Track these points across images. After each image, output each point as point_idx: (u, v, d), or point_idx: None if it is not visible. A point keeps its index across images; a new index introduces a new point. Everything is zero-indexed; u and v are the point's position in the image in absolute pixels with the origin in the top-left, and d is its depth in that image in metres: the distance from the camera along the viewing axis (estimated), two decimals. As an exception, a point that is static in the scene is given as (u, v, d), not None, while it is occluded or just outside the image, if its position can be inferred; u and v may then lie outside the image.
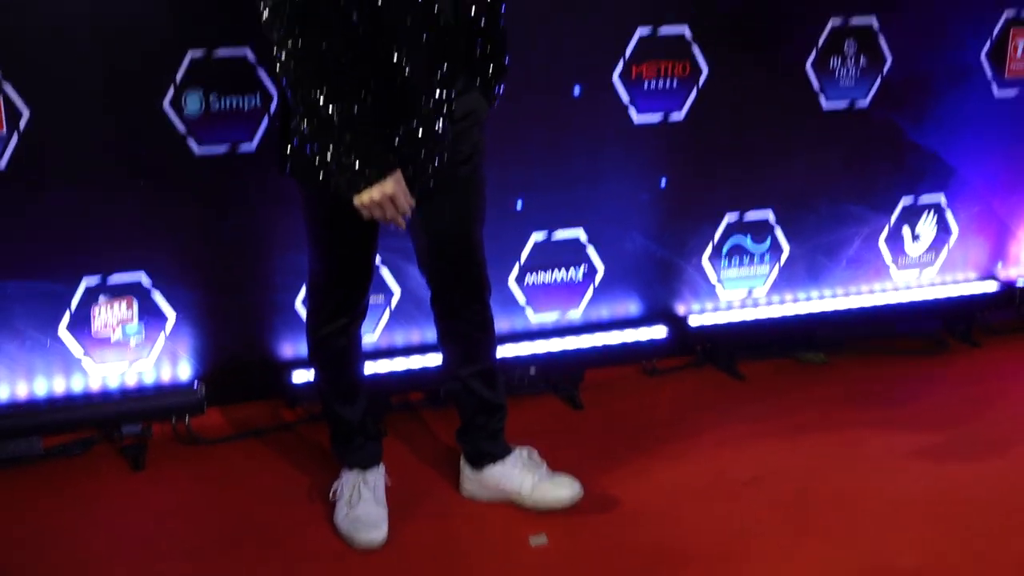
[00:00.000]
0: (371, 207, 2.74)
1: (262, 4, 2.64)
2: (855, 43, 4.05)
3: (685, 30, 3.83)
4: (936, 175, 4.31)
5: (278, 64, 2.67)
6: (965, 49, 4.21)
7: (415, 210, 2.88)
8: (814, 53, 4.01)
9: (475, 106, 2.97)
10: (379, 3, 2.67)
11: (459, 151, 2.94)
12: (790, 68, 4.01)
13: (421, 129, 2.80)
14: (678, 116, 3.92)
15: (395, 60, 2.72)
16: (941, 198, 4.35)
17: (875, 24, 4.05)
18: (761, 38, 3.94)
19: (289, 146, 2.86)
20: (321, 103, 2.64)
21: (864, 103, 4.13)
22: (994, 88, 4.28)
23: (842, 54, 4.05)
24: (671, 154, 3.95)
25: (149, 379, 3.59)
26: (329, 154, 2.69)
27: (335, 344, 3.11)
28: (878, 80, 4.12)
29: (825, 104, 4.08)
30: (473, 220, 3.08)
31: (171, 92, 3.34)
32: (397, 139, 2.78)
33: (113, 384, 3.55)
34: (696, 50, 3.86)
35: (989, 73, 4.26)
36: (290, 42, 2.62)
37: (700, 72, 3.89)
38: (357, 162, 2.68)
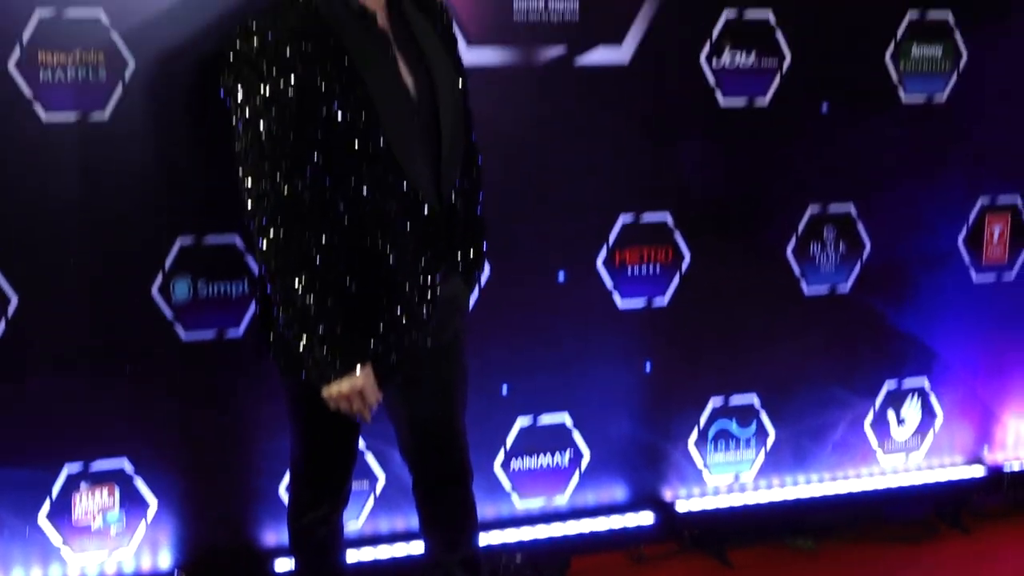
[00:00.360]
0: (338, 399, 2.74)
1: (245, 194, 2.68)
2: (834, 229, 4.12)
3: (667, 217, 3.90)
4: (919, 359, 4.34)
5: (259, 252, 2.70)
6: (941, 235, 4.29)
7: (398, 395, 2.88)
8: (794, 239, 4.08)
9: (457, 291, 2.99)
10: (364, 192, 2.72)
11: (442, 336, 2.95)
12: (771, 254, 4.07)
13: (404, 315, 2.81)
14: (662, 301, 3.96)
15: (380, 248, 2.76)
16: (925, 382, 4.37)
17: (853, 211, 4.14)
18: (742, 225, 4.02)
19: (272, 332, 2.87)
20: (299, 292, 2.66)
21: (845, 288, 4.19)
22: (972, 273, 4.35)
23: (822, 240, 4.12)
24: (655, 339, 3.97)
25: (129, 568, 3.51)
26: (303, 343, 2.69)
27: (317, 533, 3.05)
28: (858, 266, 4.18)
29: (807, 289, 4.13)
30: (456, 405, 3.07)
31: (160, 278, 3.36)
32: (381, 325, 2.79)
33: (92, 574, 3.48)
34: (678, 236, 3.93)
35: (967, 259, 4.33)
36: (272, 231, 2.65)
37: (683, 258, 3.95)
38: (328, 354, 2.69)
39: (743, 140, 3.95)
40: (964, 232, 4.32)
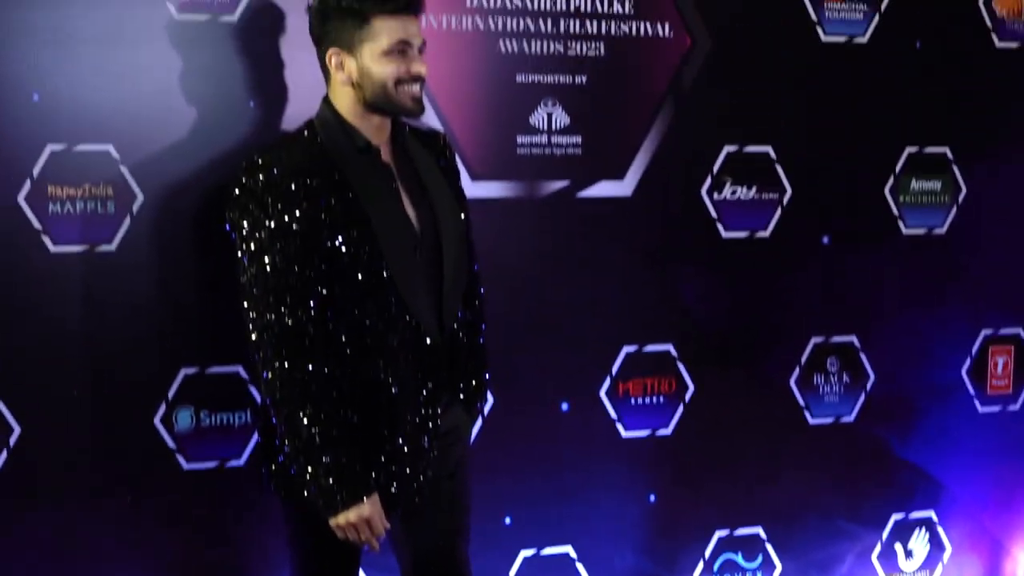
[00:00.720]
0: (346, 529, 2.74)
1: (250, 325, 2.71)
2: (837, 360, 4.13)
3: (670, 348, 3.91)
4: (926, 491, 4.31)
5: (263, 384, 2.72)
6: (946, 366, 4.29)
7: (400, 526, 2.87)
8: (797, 370, 4.08)
9: (459, 422, 3.01)
10: (367, 323, 2.74)
11: (444, 466, 2.95)
12: (775, 385, 4.07)
13: (406, 446, 2.81)
14: (665, 432, 3.95)
15: (382, 378, 2.77)
16: (932, 514, 4.33)
17: (856, 342, 4.15)
18: (745, 355, 4.03)
19: (273, 463, 2.87)
20: (305, 424, 2.67)
21: (850, 419, 4.18)
22: (977, 404, 4.34)
23: (825, 371, 4.12)
24: (659, 470, 3.96)
25: None
26: (308, 474, 2.70)
27: None
28: (862, 396, 4.18)
29: (811, 420, 4.12)
30: (459, 536, 3.05)
31: (163, 408, 3.37)
32: (382, 456, 2.79)
33: None
34: (682, 367, 3.93)
35: (971, 390, 4.32)
36: (276, 363, 2.67)
37: (686, 389, 3.95)
38: (334, 484, 2.70)
39: (745, 271, 3.99)
40: (968, 363, 4.32)
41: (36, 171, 3.19)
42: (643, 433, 3.93)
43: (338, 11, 2.74)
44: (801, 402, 4.11)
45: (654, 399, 3.94)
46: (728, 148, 3.91)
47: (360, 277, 2.72)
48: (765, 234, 4.00)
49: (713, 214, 3.92)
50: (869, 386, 4.19)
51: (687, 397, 3.96)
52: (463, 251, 2.94)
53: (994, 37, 4.21)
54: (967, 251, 4.26)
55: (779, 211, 4.00)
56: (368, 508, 2.73)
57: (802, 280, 4.08)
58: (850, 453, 4.21)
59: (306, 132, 2.82)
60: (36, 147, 3.18)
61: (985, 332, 4.33)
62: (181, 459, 3.41)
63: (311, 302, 2.69)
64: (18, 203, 3.17)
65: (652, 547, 3.98)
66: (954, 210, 4.22)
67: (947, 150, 4.19)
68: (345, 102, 2.80)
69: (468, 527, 3.08)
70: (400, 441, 2.80)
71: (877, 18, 4.04)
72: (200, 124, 3.32)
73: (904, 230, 4.16)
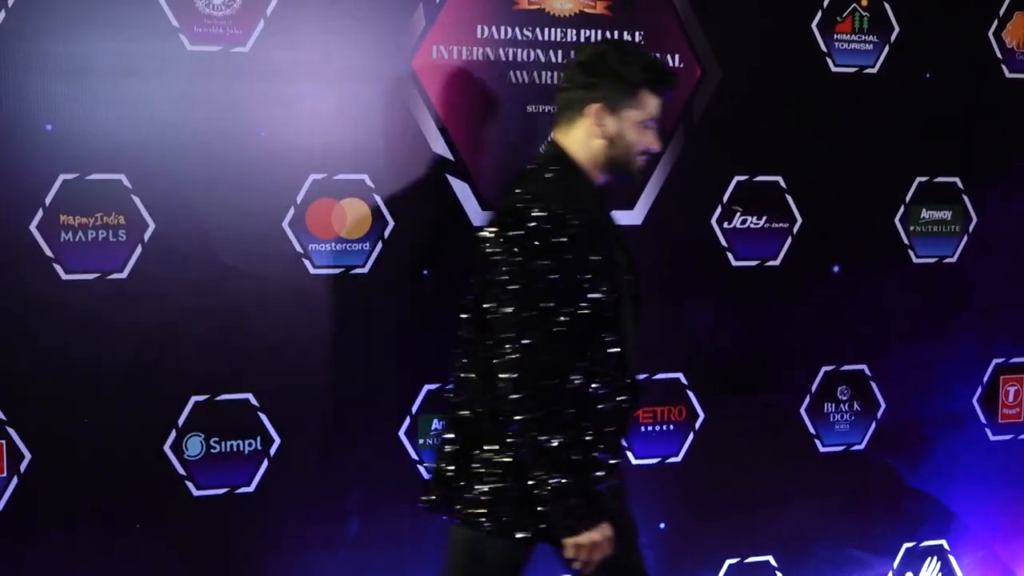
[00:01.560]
0: (583, 549, 2.77)
1: (503, 354, 2.73)
2: (848, 389, 4.13)
3: (681, 376, 3.92)
4: (937, 519, 4.30)
5: (513, 410, 2.72)
6: (956, 395, 4.28)
7: None
8: (808, 398, 4.08)
9: None
10: (599, 355, 2.82)
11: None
12: (785, 413, 4.07)
13: (616, 463, 2.90)
14: (676, 459, 3.95)
15: (602, 401, 2.83)
16: (943, 543, 4.31)
17: (867, 371, 4.15)
18: (755, 384, 4.03)
19: (473, 490, 2.84)
20: (554, 447, 2.71)
21: (860, 447, 4.17)
22: (988, 433, 4.33)
23: (836, 399, 4.12)
24: (670, 497, 3.96)
25: None
26: (554, 493, 2.72)
27: None
28: (873, 425, 4.17)
29: (821, 448, 4.12)
30: (638, 548, 3.12)
31: (173, 436, 3.39)
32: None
33: None
34: (692, 395, 3.94)
35: (983, 418, 4.32)
36: (526, 392, 2.71)
37: (696, 416, 3.95)
38: (584, 504, 2.75)
39: (755, 300, 4.00)
40: (979, 392, 4.31)
41: (48, 200, 3.22)
42: (653, 461, 3.93)
43: (617, 74, 2.88)
44: (812, 430, 4.11)
45: (664, 427, 3.94)
46: (738, 178, 3.93)
47: (601, 314, 2.83)
48: (775, 263, 4.01)
49: (723, 243, 3.93)
50: (880, 414, 4.19)
51: (697, 425, 3.96)
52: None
53: (1004, 68, 4.21)
54: (978, 280, 4.26)
55: (789, 240, 4.01)
56: (608, 529, 2.78)
57: (812, 309, 4.08)
58: (861, 481, 4.20)
59: (567, 171, 2.89)
60: (49, 176, 3.22)
61: (996, 361, 4.33)
62: (191, 486, 3.43)
63: (559, 336, 2.75)
64: (30, 231, 3.21)
65: (663, 575, 3.98)
66: (965, 239, 4.22)
67: (957, 180, 4.19)
68: (586, 153, 2.91)
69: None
70: (611, 459, 2.87)
71: (887, 49, 4.05)
72: (211, 154, 3.36)
73: (915, 259, 4.17)
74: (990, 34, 4.19)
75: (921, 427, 4.26)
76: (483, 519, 2.82)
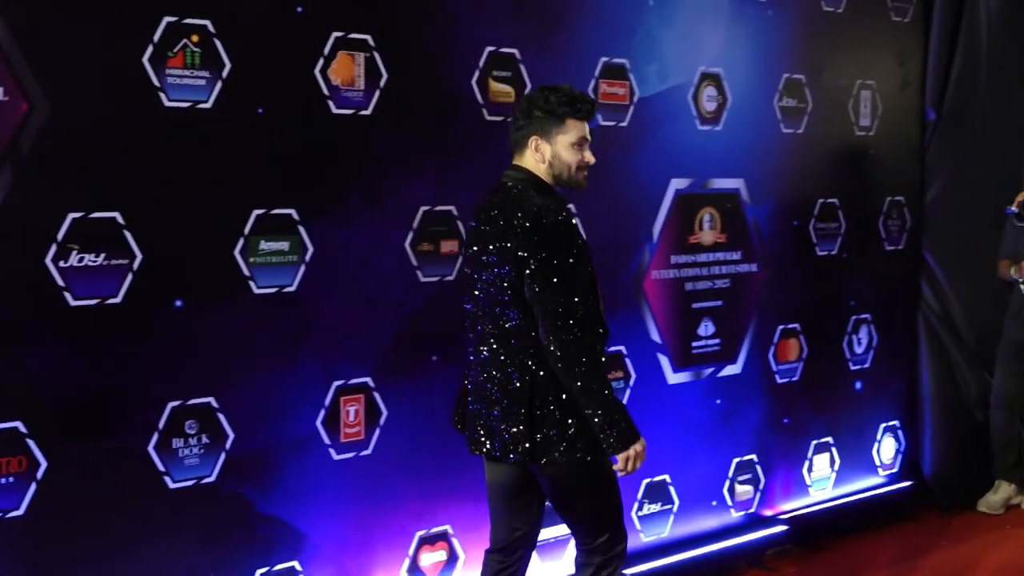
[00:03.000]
0: (634, 456, 3.81)
1: (558, 320, 3.71)
2: (196, 423, 4.14)
3: (19, 425, 3.72)
4: (289, 542, 4.43)
5: (571, 368, 3.73)
6: (302, 419, 4.43)
7: None
8: (156, 436, 4.04)
9: None
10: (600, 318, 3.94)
11: None
12: (133, 452, 4.00)
13: None
14: (18, 513, 3.74)
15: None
16: (295, 564, 4.44)
17: (214, 403, 4.17)
18: (100, 426, 3.91)
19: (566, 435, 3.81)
20: (606, 390, 3.77)
21: (211, 479, 4.20)
22: (333, 453, 4.52)
23: (184, 434, 4.12)
24: (12, 558, 3.74)
25: None
26: (612, 422, 3.75)
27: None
28: (223, 456, 4.21)
29: (172, 484, 4.10)
30: None
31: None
32: None
33: None
34: (32, 444, 3.75)
35: (327, 439, 4.50)
36: (586, 349, 3.73)
37: (39, 466, 3.77)
38: (628, 427, 3.79)
39: (97, 339, 3.89)
40: (322, 414, 4.49)
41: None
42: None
43: (544, 110, 3.86)
44: (161, 467, 4.07)
45: (4, 480, 3.72)
46: (73, 215, 3.80)
47: (593, 286, 3.87)
48: (117, 300, 3.92)
49: (60, 282, 3.79)
50: (228, 445, 4.23)
51: (39, 474, 3.78)
52: None
53: (331, 104, 4.43)
54: (317, 307, 4.43)
55: (130, 276, 3.94)
56: (644, 441, 3.85)
57: (157, 344, 4.04)
58: (214, 513, 4.22)
59: (531, 185, 3.90)
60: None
61: (337, 383, 4.53)
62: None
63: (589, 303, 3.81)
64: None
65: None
66: (303, 268, 4.38)
67: (293, 211, 4.34)
68: (540, 173, 3.91)
69: None
70: None
71: (220, 84, 4.11)
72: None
73: (256, 290, 4.26)
74: (316, 72, 4.38)
75: (270, 453, 4.36)
76: (576, 454, 3.80)
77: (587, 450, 3.82)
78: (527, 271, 3.74)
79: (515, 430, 3.81)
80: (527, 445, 3.80)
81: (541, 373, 3.79)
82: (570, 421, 3.80)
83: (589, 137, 3.94)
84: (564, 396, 3.79)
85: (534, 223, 3.74)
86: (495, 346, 3.86)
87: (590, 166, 3.95)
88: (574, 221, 3.85)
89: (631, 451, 3.79)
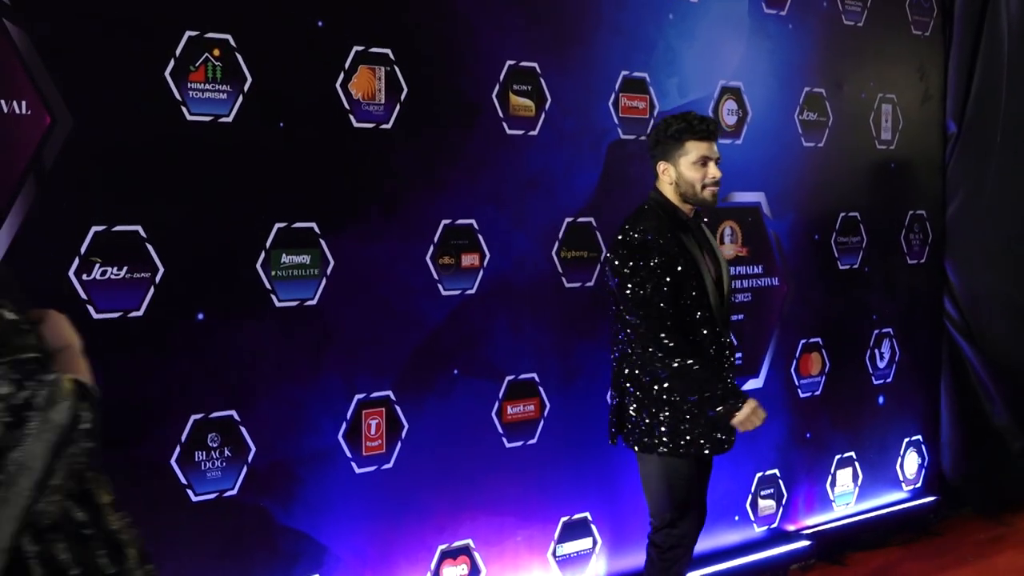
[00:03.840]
0: (750, 414, 4.20)
1: (637, 326, 4.22)
2: (218, 436, 4.14)
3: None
4: (311, 555, 4.42)
5: (649, 364, 4.23)
6: (323, 432, 4.43)
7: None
8: (178, 449, 4.05)
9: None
10: (695, 319, 4.31)
11: None
12: (155, 465, 4.01)
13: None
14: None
15: (701, 350, 4.32)
16: (317, 577, 4.44)
17: (236, 416, 4.18)
18: (123, 438, 3.92)
19: (630, 431, 4.36)
20: (682, 366, 4.18)
21: (233, 492, 4.21)
22: (354, 466, 4.52)
23: (206, 447, 4.13)
24: None
25: None
26: (715, 397, 4.19)
27: (681, 554, 4.43)
28: (244, 469, 4.22)
29: (194, 497, 4.10)
30: None
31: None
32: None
33: None
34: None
35: (348, 453, 4.50)
36: (657, 345, 4.18)
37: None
38: (728, 395, 4.21)
39: (120, 353, 3.90)
40: (344, 427, 4.49)
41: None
42: None
43: (666, 137, 4.30)
44: (183, 480, 4.08)
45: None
46: (96, 228, 3.82)
47: (696, 299, 4.26)
48: (139, 313, 3.94)
49: (83, 295, 3.81)
50: (250, 458, 4.24)
51: (62, 487, 3.78)
52: (730, 287, 4.52)
53: (352, 118, 4.45)
54: (338, 321, 4.44)
55: (152, 290, 3.96)
56: (753, 401, 4.21)
57: (179, 358, 4.06)
58: (236, 526, 4.22)
59: (649, 208, 4.35)
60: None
61: (358, 397, 4.53)
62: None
63: (669, 310, 4.22)
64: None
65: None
66: (324, 282, 4.39)
67: (314, 225, 4.36)
68: (669, 194, 4.34)
69: None
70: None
71: (241, 99, 4.13)
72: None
73: (277, 303, 4.27)
74: (337, 86, 4.40)
75: (291, 466, 4.36)
76: (636, 447, 4.38)
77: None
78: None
79: None
80: None
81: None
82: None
83: (714, 155, 4.31)
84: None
85: (619, 244, 4.29)
86: None
87: (718, 181, 4.32)
88: (656, 238, 4.23)
89: (745, 409, 4.26)
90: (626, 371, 4.32)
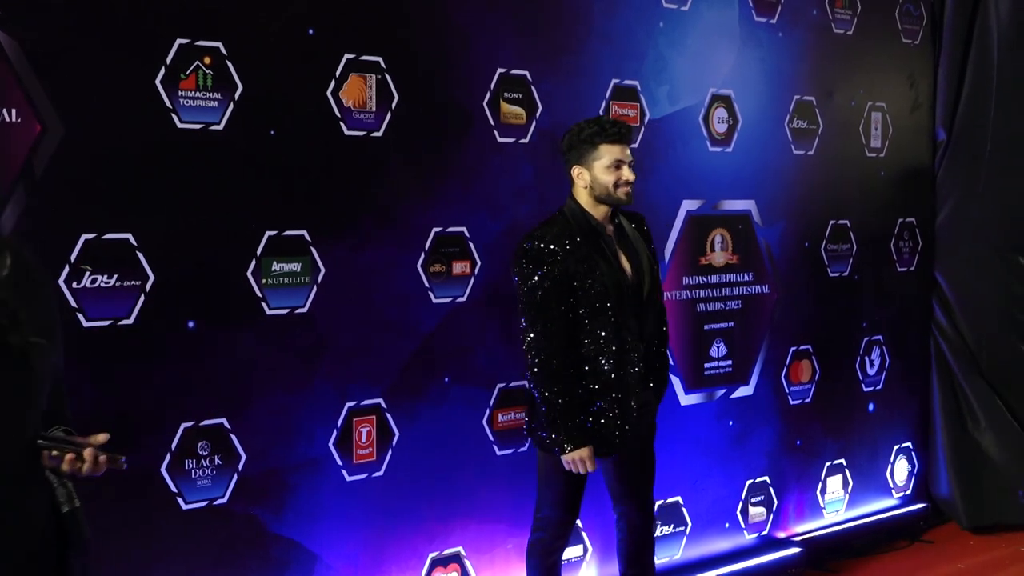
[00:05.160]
0: (573, 463, 4.24)
1: (526, 336, 4.26)
2: (208, 444, 4.13)
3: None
4: (301, 562, 4.41)
5: (530, 374, 4.27)
6: (314, 440, 4.43)
7: (613, 468, 4.52)
8: (168, 457, 4.03)
9: (648, 399, 4.52)
10: (597, 333, 4.30)
11: (638, 431, 4.48)
12: (146, 473, 4.00)
13: (615, 412, 4.32)
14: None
15: (604, 368, 4.32)
16: (308, 585, 4.44)
17: (226, 424, 4.18)
18: (113, 447, 3.91)
19: (533, 428, 4.40)
20: (553, 398, 4.23)
21: (223, 500, 4.20)
22: (345, 474, 4.51)
23: (196, 455, 4.11)
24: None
25: None
26: (555, 428, 4.24)
27: (555, 560, 4.51)
28: (235, 477, 4.21)
29: (184, 505, 4.09)
30: (648, 485, 4.64)
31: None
32: (602, 419, 4.32)
33: None
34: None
35: (339, 460, 4.50)
36: (537, 360, 4.25)
37: (51, 487, 3.76)
38: (566, 436, 4.24)
39: (109, 361, 3.91)
40: (335, 435, 4.49)
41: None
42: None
43: (579, 141, 4.34)
44: (173, 488, 4.07)
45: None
46: (86, 236, 3.82)
47: (595, 305, 4.26)
48: (129, 321, 3.93)
49: (73, 304, 3.80)
50: (241, 466, 4.23)
51: (52, 496, 3.77)
52: (657, 290, 4.52)
53: (343, 126, 4.45)
54: (329, 328, 4.44)
55: (143, 298, 3.95)
56: (584, 452, 4.24)
57: (170, 366, 4.05)
58: (227, 533, 4.22)
59: (559, 215, 4.37)
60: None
61: (349, 404, 4.53)
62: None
63: (560, 320, 4.25)
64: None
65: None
66: (315, 290, 4.39)
67: (305, 233, 4.35)
68: (584, 198, 4.37)
69: (653, 479, 4.65)
70: (611, 411, 4.32)
71: (232, 106, 4.13)
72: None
73: (268, 311, 4.27)
74: (328, 93, 4.41)
75: (282, 474, 4.36)
76: (536, 445, 4.46)
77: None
78: None
79: None
80: None
81: None
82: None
83: (627, 159, 4.34)
84: None
85: (519, 251, 4.32)
86: None
87: (631, 183, 4.34)
88: (552, 247, 4.24)
89: (570, 456, 4.25)
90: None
